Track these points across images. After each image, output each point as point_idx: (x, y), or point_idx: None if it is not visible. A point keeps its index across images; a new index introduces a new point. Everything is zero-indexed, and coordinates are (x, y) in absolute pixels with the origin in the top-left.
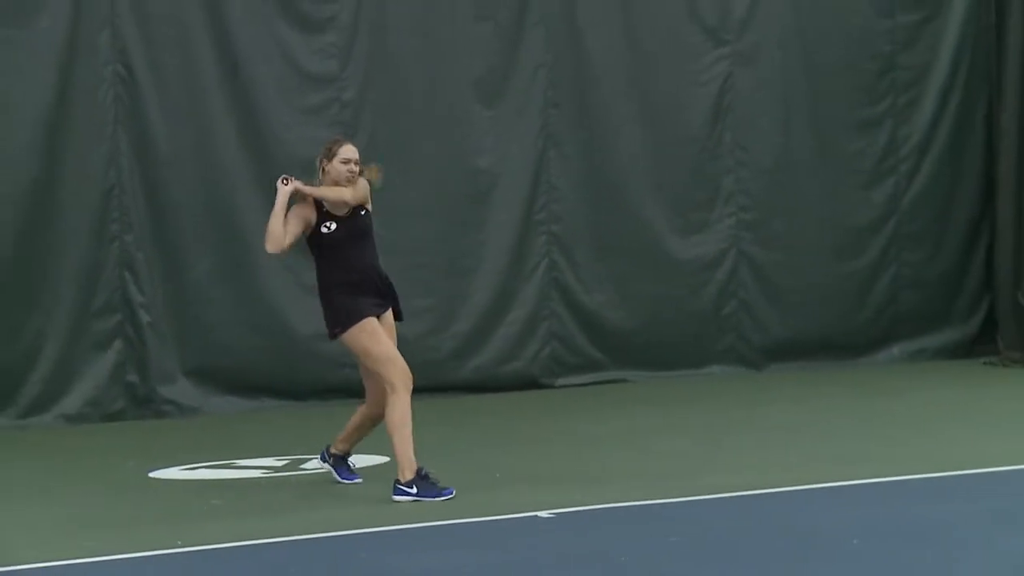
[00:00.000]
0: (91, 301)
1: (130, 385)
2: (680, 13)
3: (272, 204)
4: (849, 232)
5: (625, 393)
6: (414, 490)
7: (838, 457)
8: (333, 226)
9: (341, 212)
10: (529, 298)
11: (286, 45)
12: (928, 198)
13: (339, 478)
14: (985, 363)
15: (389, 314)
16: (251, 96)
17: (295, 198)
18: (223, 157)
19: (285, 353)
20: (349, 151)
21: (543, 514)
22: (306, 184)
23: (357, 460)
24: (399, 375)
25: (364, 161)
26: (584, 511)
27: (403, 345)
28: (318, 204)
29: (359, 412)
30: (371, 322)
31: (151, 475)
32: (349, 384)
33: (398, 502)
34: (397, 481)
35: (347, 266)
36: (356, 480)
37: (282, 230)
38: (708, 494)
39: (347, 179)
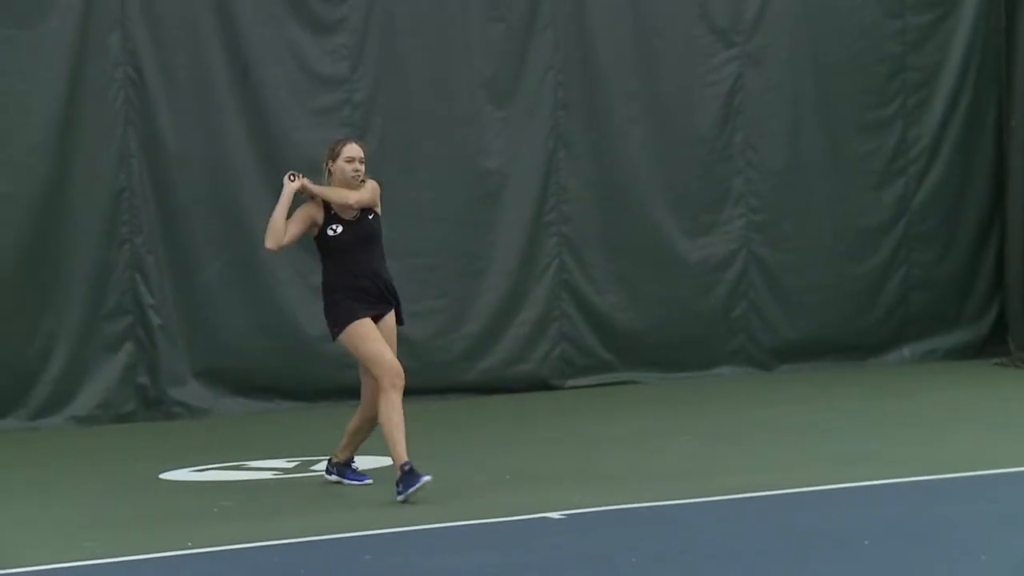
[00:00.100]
0: (102, 303)
1: (140, 387)
2: (690, 14)
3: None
4: (859, 233)
5: (635, 394)
6: (399, 486)
7: (848, 458)
8: (339, 229)
9: (349, 215)
10: (539, 299)
11: (297, 47)
12: (938, 199)
13: (349, 482)
14: (996, 364)
15: (390, 318)
16: (261, 98)
17: (303, 196)
18: (234, 159)
19: (295, 355)
20: (353, 150)
21: (554, 515)
22: (314, 184)
23: (366, 462)
24: (387, 375)
25: (375, 162)
26: (594, 512)
27: (413, 346)
28: (327, 205)
29: (355, 417)
30: (365, 323)
31: (161, 477)
32: (359, 385)
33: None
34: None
35: (352, 270)
36: (366, 481)
37: (283, 227)
38: (719, 495)
39: (353, 178)
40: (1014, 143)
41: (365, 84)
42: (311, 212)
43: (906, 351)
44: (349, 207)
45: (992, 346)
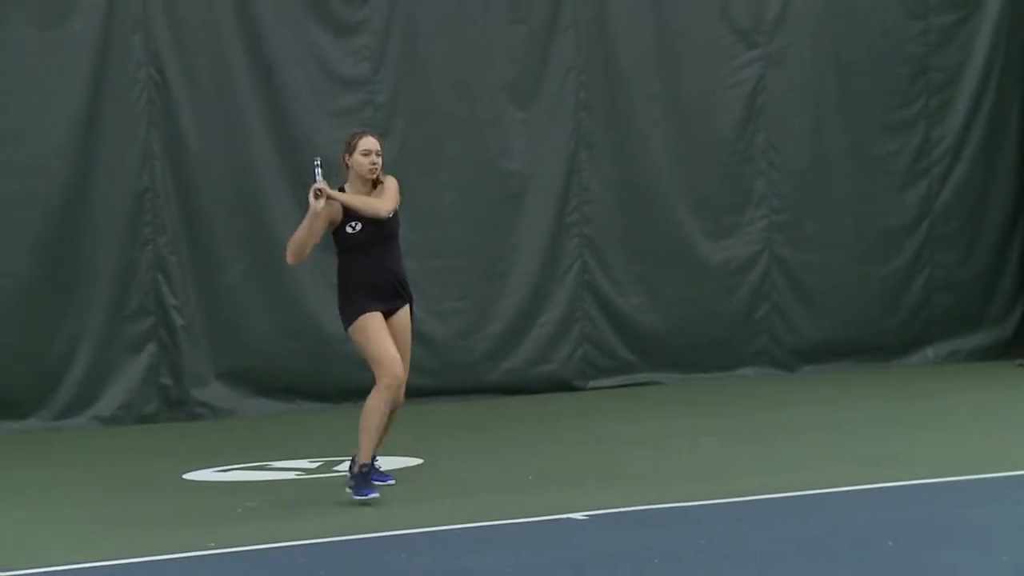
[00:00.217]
0: (125, 304)
1: (163, 387)
2: (712, 15)
3: (304, 211)
4: (882, 234)
5: (657, 395)
6: (352, 482)
7: (871, 459)
8: (359, 226)
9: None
10: (561, 300)
11: (318, 49)
12: (961, 200)
13: (372, 482)
14: (1020, 365)
15: (404, 313)
16: (283, 99)
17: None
18: (256, 160)
19: (318, 355)
20: (369, 143)
21: (576, 516)
22: (338, 190)
23: (389, 463)
24: (385, 372)
25: (397, 163)
26: (617, 513)
27: (436, 347)
28: None
29: None
30: (374, 317)
31: (184, 477)
32: None
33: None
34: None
35: (367, 266)
36: (389, 481)
37: (305, 246)
38: (740, 496)
39: (370, 172)
40: None
41: (387, 86)
42: (329, 212)
43: (929, 352)
44: (382, 218)
45: (1016, 347)
